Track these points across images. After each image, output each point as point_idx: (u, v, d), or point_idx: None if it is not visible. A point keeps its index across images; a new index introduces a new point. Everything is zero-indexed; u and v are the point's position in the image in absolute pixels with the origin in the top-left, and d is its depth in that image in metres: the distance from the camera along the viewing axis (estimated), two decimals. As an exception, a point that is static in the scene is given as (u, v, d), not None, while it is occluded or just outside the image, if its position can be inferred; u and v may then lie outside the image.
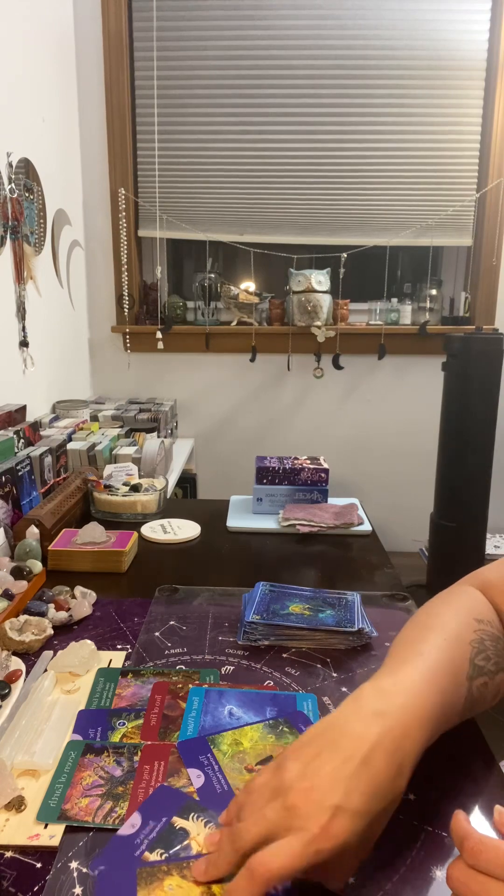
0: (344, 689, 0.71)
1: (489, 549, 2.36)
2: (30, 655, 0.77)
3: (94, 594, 0.91)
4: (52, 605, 0.86)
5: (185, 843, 0.49)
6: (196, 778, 0.56)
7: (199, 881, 0.45)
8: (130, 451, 1.60)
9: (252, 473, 1.31)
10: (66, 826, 0.51)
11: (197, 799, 0.54)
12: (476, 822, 0.52)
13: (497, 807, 0.42)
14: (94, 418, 2.03)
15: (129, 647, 0.79)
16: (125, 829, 0.50)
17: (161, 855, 0.48)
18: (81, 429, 1.79)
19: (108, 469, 1.45)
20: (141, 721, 0.64)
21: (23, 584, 0.90)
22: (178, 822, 0.51)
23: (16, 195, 1.68)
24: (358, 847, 0.43)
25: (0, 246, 1.62)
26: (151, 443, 1.62)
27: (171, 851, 0.48)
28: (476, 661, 0.57)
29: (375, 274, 2.45)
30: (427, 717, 0.50)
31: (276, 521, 1.24)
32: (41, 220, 1.91)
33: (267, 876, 0.40)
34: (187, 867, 0.46)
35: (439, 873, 0.47)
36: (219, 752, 0.59)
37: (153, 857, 0.48)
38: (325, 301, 2.36)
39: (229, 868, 0.44)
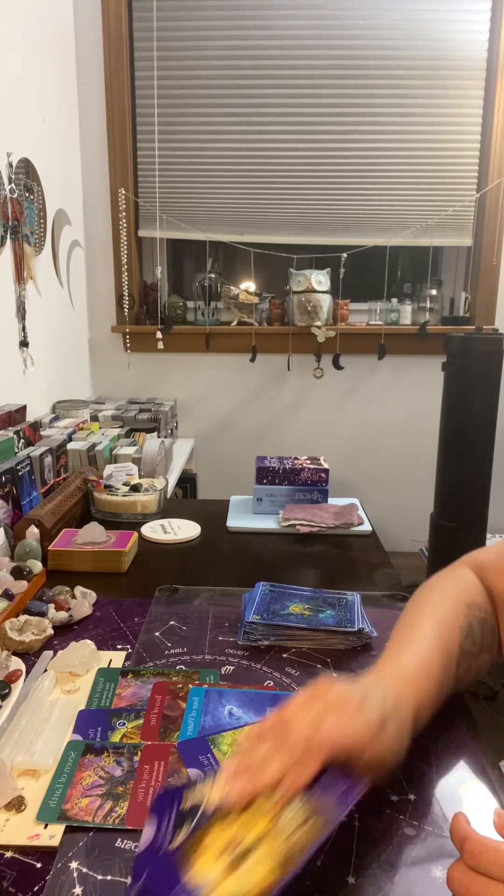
0: (344, 689, 0.71)
1: (489, 549, 2.35)
2: (30, 655, 0.77)
3: (94, 594, 0.91)
4: (52, 605, 0.86)
5: (201, 810, 0.47)
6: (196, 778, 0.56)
7: (241, 799, 0.45)
8: (130, 451, 1.60)
9: (252, 473, 1.31)
10: (66, 826, 0.51)
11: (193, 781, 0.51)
12: (476, 823, 0.52)
13: (497, 808, 0.42)
14: (94, 418, 2.03)
15: (129, 647, 0.79)
16: (143, 844, 0.46)
17: (186, 832, 0.46)
18: (81, 429, 1.79)
19: (108, 469, 1.45)
20: (141, 721, 0.64)
21: (23, 584, 0.90)
22: (187, 803, 0.49)
23: (16, 195, 1.68)
24: (378, 758, 0.49)
25: (0, 246, 1.62)
26: (151, 443, 1.62)
27: (193, 824, 0.46)
28: (464, 646, 0.64)
29: (375, 274, 2.45)
30: (420, 703, 0.56)
31: (276, 521, 1.24)
32: (41, 220, 1.91)
33: (327, 744, 0.46)
34: (218, 814, 0.45)
35: (439, 873, 0.47)
36: (219, 752, 0.59)
37: (180, 838, 0.46)
38: (325, 301, 2.36)
39: (281, 773, 0.46)
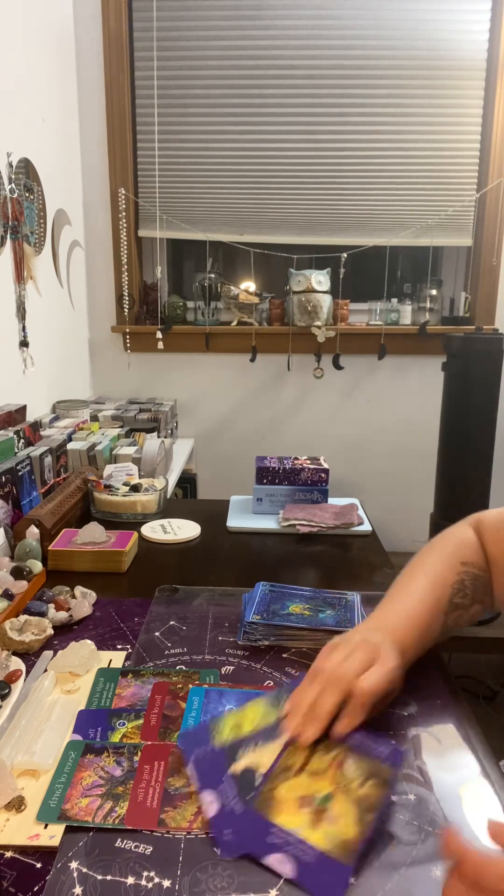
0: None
1: (489, 549, 2.35)
2: (30, 655, 0.77)
3: (94, 594, 0.91)
4: (52, 605, 0.86)
5: (258, 773, 0.53)
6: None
7: (306, 743, 0.54)
8: (130, 451, 1.60)
9: (252, 473, 1.31)
10: (66, 826, 0.51)
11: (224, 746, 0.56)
12: (475, 823, 0.52)
13: (489, 819, 0.41)
14: (94, 418, 2.03)
15: (129, 647, 0.79)
16: (211, 810, 0.51)
17: (253, 792, 0.51)
18: (81, 429, 1.79)
19: (108, 469, 1.45)
20: (141, 721, 0.64)
21: (23, 584, 0.90)
22: (237, 766, 0.54)
23: (16, 195, 1.68)
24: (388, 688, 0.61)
25: (0, 246, 1.62)
26: (151, 443, 1.62)
27: (257, 784, 0.52)
28: (454, 600, 0.71)
29: (375, 274, 2.45)
30: (405, 649, 0.66)
31: (276, 521, 1.24)
32: (41, 220, 1.91)
33: (368, 692, 0.56)
34: (279, 777, 0.52)
35: (439, 873, 0.47)
36: (219, 738, 0.59)
37: (249, 797, 0.51)
38: (326, 301, 2.36)
39: (333, 711, 0.56)
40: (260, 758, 0.54)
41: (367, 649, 0.61)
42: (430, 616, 0.69)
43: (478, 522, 0.80)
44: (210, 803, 0.52)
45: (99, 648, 0.78)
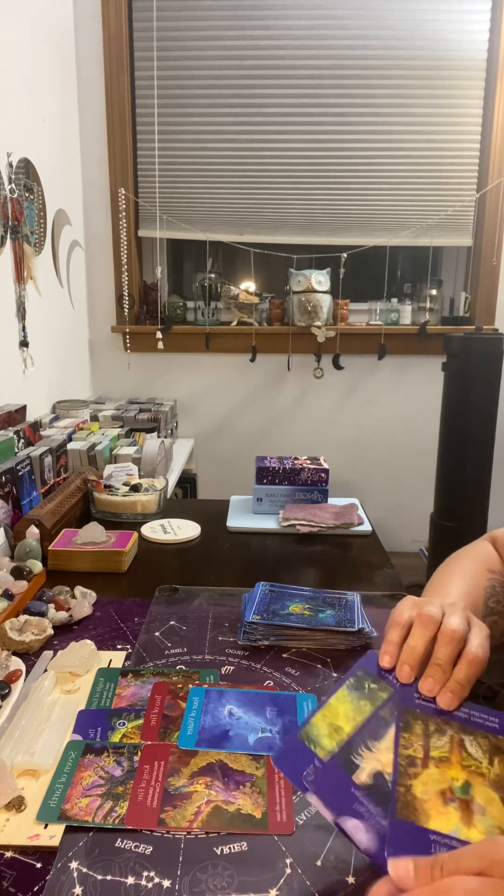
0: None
1: (489, 549, 2.35)
2: (30, 655, 0.77)
3: (94, 594, 0.91)
4: (52, 605, 0.86)
5: (386, 779, 0.45)
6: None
7: (451, 706, 0.50)
8: (130, 451, 1.60)
9: (252, 473, 1.31)
10: (66, 826, 0.51)
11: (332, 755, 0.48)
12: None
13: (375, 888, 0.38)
14: (94, 418, 2.03)
15: (129, 647, 0.79)
16: (367, 840, 0.43)
17: (391, 801, 0.44)
18: (81, 429, 1.79)
19: (108, 469, 1.45)
20: (141, 721, 0.64)
21: (23, 584, 0.90)
22: (361, 775, 0.46)
23: (16, 195, 1.68)
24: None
25: (0, 246, 1.62)
26: (151, 443, 1.62)
27: (390, 792, 0.45)
28: (489, 604, 0.70)
29: (375, 274, 2.45)
30: None
31: (276, 521, 1.24)
32: (41, 220, 1.91)
33: (481, 658, 0.53)
34: (407, 773, 0.45)
35: (439, 873, 0.47)
36: (322, 750, 0.49)
37: (391, 807, 0.44)
38: (326, 301, 2.36)
39: (452, 659, 0.53)
40: (381, 757, 0.47)
41: (459, 609, 0.55)
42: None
43: (493, 539, 0.81)
44: (359, 831, 0.43)
45: (99, 648, 0.78)
